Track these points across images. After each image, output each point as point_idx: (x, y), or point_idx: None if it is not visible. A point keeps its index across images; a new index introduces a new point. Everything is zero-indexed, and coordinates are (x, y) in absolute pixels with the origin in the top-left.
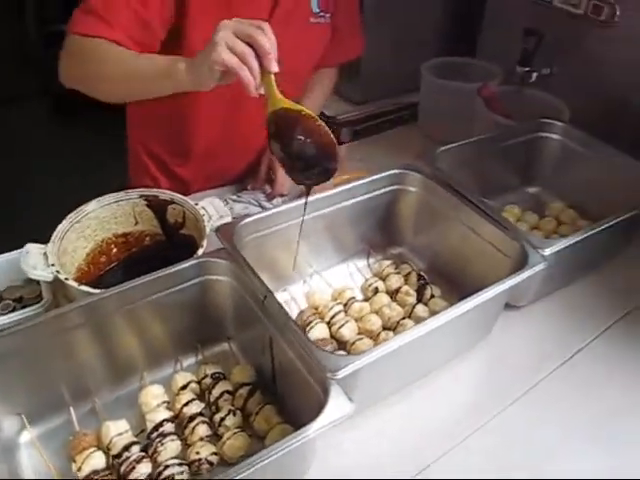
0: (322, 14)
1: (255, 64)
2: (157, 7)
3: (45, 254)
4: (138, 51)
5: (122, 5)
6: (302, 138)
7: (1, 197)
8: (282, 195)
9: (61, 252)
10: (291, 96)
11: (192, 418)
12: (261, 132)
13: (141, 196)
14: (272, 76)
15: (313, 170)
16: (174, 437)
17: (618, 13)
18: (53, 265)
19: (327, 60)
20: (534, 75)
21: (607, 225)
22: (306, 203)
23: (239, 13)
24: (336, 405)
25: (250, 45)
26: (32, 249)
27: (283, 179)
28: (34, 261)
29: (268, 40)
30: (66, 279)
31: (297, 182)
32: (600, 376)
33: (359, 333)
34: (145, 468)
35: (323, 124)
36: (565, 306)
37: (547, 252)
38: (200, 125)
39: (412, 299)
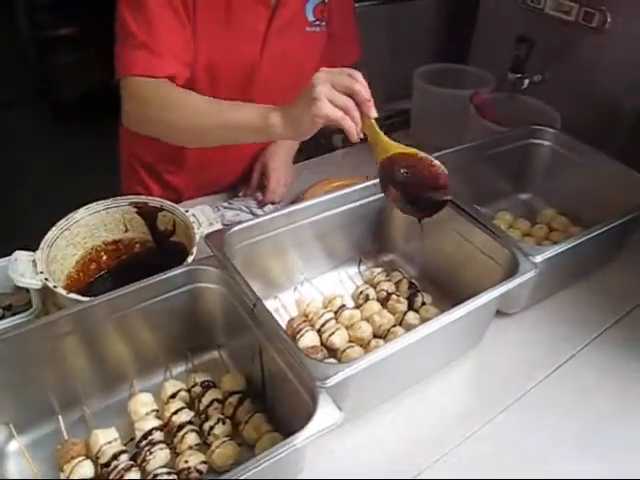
0: (318, 23)
1: (357, 113)
2: (187, 22)
3: (34, 261)
4: (186, 74)
5: (164, 30)
6: (421, 181)
7: None
8: (274, 202)
9: (50, 259)
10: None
11: (181, 427)
12: (257, 146)
13: (131, 203)
14: (373, 121)
15: (428, 206)
16: (163, 446)
17: (609, 20)
18: (42, 273)
19: (323, 66)
20: (526, 82)
21: (598, 232)
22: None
23: (238, 24)
24: (325, 414)
25: (348, 94)
26: (21, 256)
27: (275, 187)
28: (22, 269)
29: (363, 87)
30: (55, 287)
31: (416, 217)
32: (591, 383)
33: (350, 341)
34: (134, 477)
35: (437, 163)
36: (556, 313)
37: (538, 259)
38: None
39: (403, 306)
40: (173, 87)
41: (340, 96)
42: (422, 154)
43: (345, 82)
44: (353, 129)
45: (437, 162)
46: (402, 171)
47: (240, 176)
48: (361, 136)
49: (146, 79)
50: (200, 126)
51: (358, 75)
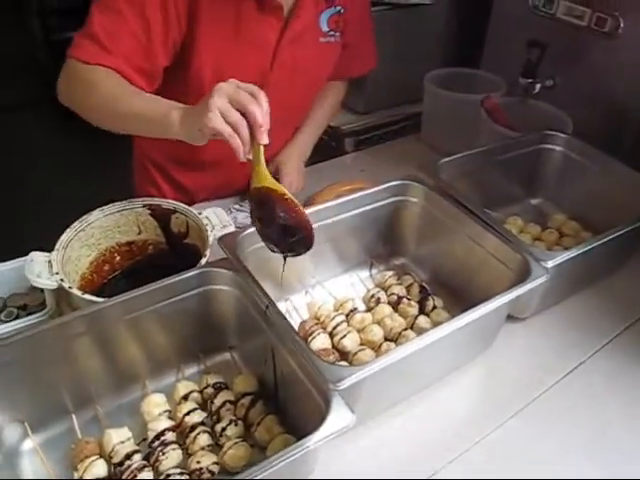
0: (332, 33)
1: (246, 134)
2: (160, 37)
3: (49, 262)
4: (139, 79)
5: (125, 34)
6: (281, 217)
7: (6, 203)
8: None
9: (65, 260)
10: (304, 110)
11: (193, 427)
12: (271, 150)
13: (144, 205)
14: (261, 147)
15: (290, 244)
16: (176, 446)
17: (622, 25)
18: (57, 273)
19: (337, 75)
20: (537, 86)
21: (610, 237)
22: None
23: (248, 36)
24: (338, 416)
25: (242, 113)
26: (37, 257)
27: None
28: (38, 269)
29: (261, 111)
30: (70, 287)
31: (275, 252)
32: (601, 389)
33: (361, 344)
34: (147, 477)
35: (301, 208)
36: (566, 318)
37: (550, 264)
38: (208, 145)
39: (414, 310)
40: (105, 72)
41: (233, 113)
42: (290, 196)
43: (243, 100)
44: (240, 149)
45: (302, 209)
46: (277, 213)
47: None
48: (249, 157)
49: (82, 64)
50: (118, 113)
51: (261, 96)
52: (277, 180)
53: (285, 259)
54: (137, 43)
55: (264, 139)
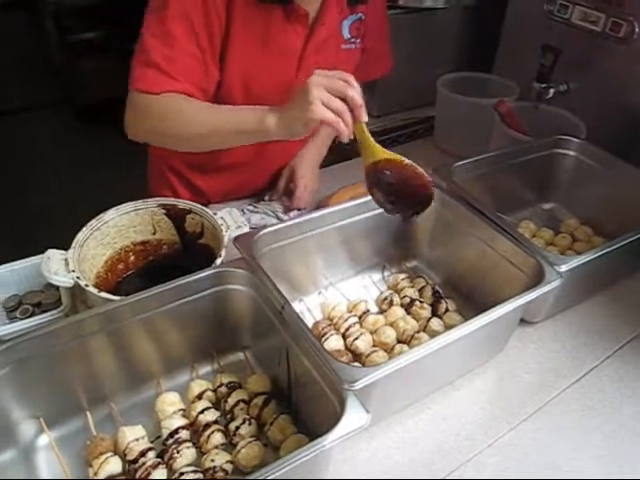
0: (353, 40)
1: (349, 117)
2: (209, 50)
3: (66, 260)
4: (202, 97)
5: (182, 55)
6: (404, 186)
7: (21, 204)
8: (299, 209)
9: (81, 259)
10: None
11: (207, 426)
12: (288, 152)
13: (159, 205)
14: (364, 125)
15: (413, 204)
16: (189, 444)
17: (637, 30)
18: (74, 271)
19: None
20: (551, 91)
21: (623, 243)
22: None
23: (275, 44)
24: (353, 416)
25: (341, 98)
26: (53, 255)
27: (302, 193)
28: (55, 267)
29: (356, 92)
30: (86, 285)
31: (402, 216)
32: (613, 394)
33: (374, 345)
34: (160, 474)
35: (421, 170)
36: (579, 323)
37: (563, 268)
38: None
39: (427, 313)
40: (172, 97)
41: (334, 100)
42: (407, 161)
43: (339, 87)
44: (345, 132)
45: (421, 169)
46: (387, 173)
47: (268, 182)
48: (351, 137)
49: (149, 95)
50: (198, 133)
51: (352, 80)
52: (292, 181)
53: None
54: (195, 61)
55: (365, 116)
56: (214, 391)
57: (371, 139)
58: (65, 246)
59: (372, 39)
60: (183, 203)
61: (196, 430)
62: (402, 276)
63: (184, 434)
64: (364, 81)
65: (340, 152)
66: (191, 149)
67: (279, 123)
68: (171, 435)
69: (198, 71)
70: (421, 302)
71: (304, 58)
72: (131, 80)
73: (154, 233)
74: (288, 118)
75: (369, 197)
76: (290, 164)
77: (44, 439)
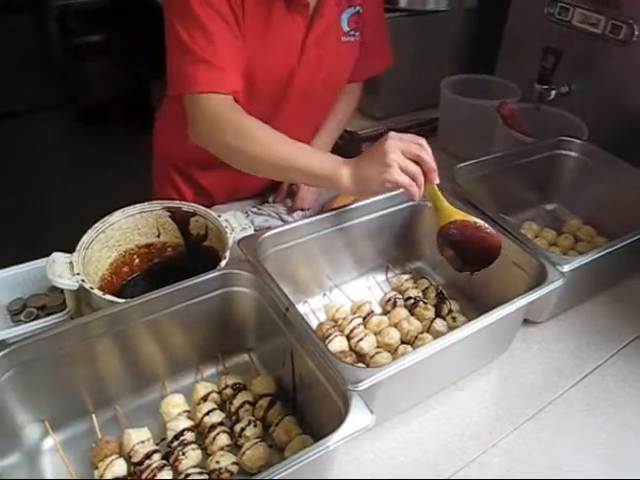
0: (352, 33)
1: (422, 180)
2: (240, 34)
3: (71, 263)
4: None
5: (225, 45)
6: (476, 246)
7: (25, 205)
8: (303, 209)
9: (86, 261)
10: (325, 111)
11: (213, 428)
12: None
13: (164, 207)
14: (435, 186)
15: (479, 261)
16: (195, 446)
17: (637, 32)
18: (78, 274)
19: (354, 76)
20: (553, 93)
21: (625, 242)
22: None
23: (276, 34)
24: (357, 416)
25: (416, 162)
26: (58, 258)
27: (305, 194)
28: (60, 270)
29: (429, 155)
30: (91, 288)
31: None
32: (617, 393)
33: (378, 347)
34: (166, 476)
35: (490, 230)
36: (582, 323)
37: (566, 269)
38: None
39: (430, 314)
40: (244, 115)
41: (410, 164)
42: (480, 222)
43: (415, 150)
44: (417, 194)
45: (491, 229)
46: (460, 233)
47: (274, 180)
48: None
49: (214, 96)
50: (274, 163)
51: (424, 143)
52: (294, 187)
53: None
54: (237, 50)
55: (437, 179)
56: (219, 393)
57: (445, 201)
58: (69, 248)
59: (369, 33)
60: (187, 206)
61: (201, 432)
62: (406, 277)
63: (189, 436)
64: (365, 77)
65: (344, 155)
66: (261, 174)
67: (353, 178)
68: (176, 437)
69: (238, 57)
70: (425, 303)
71: (305, 49)
72: (184, 84)
73: (159, 236)
74: (363, 175)
75: (372, 199)
76: None
77: (49, 442)
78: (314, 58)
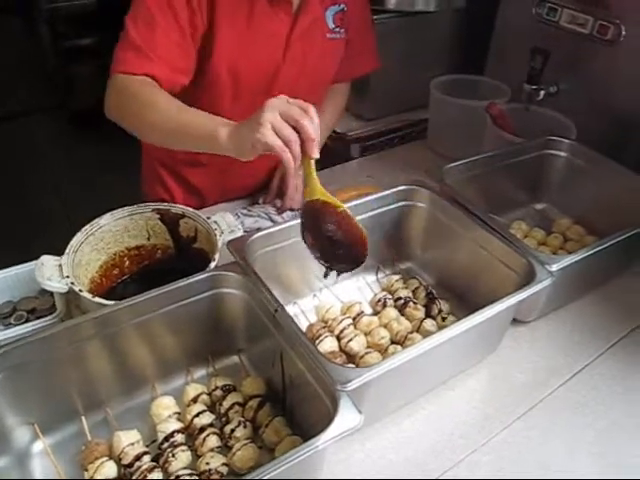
0: (337, 30)
1: (298, 150)
2: (190, 32)
3: (60, 266)
4: (182, 77)
5: (162, 37)
6: (334, 230)
7: (16, 209)
8: (292, 209)
9: (75, 264)
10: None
11: (203, 429)
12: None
13: (154, 210)
14: (313, 162)
15: (343, 262)
16: (185, 448)
17: (624, 33)
18: (68, 277)
19: (341, 75)
20: (541, 93)
21: (614, 241)
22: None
23: (261, 30)
24: (346, 416)
25: (294, 128)
26: (47, 261)
27: (293, 193)
28: (49, 273)
29: (312, 125)
30: (80, 291)
31: (329, 269)
32: (606, 391)
33: (368, 347)
34: (156, 477)
35: (356, 222)
36: (572, 321)
37: (554, 268)
38: None
39: (420, 314)
40: (155, 91)
41: (286, 128)
42: (344, 209)
43: (295, 115)
44: (291, 163)
45: (358, 223)
46: (328, 226)
47: (265, 178)
48: (299, 173)
49: (130, 76)
50: (172, 130)
51: (311, 110)
52: (284, 182)
53: (338, 275)
54: (175, 44)
55: (316, 153)
56: (209, 394)
57: (316, 180)
58: (61, 251)
59: (354, 31)
60: (176, 208)
61: (191, 433)
62: (396, 277)
63: (179, 437)
64: (351, 77)
65: (334, 157)
66: (157, 142)
67: (229, 138)
68: (166, 439)
69: (179, 53)
70: (415, 303)
71: (290, 45)
72: (113, 65)
73: (148, 238)
74: (239, 135)
75: (361, 200)
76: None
77: (39, 445)
78: (299, 54)
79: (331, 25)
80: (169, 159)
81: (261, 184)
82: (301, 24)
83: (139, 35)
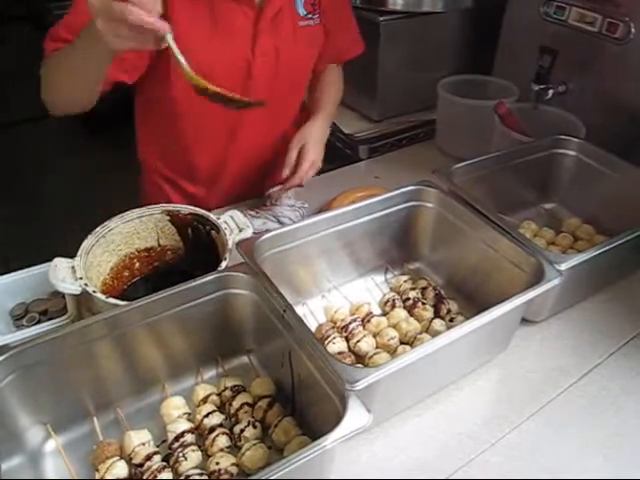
0: (310, 16)
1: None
2: None
3: (73, 268)
4: (125, 78)
5: (80, 25)
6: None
7: (22, 213)
8: (300, 185)
9: (87, 266)
10: (294, 102)
11: (212, 429)
12: (260, 141)
13: (163, 211)
14: (169, 36)
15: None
16: (195, 448)
17: (633, 31)
18: (81, 278)
19: (325, 60)
20: (550, 92)
21: (624, 240)
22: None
23: (225, 25)
24: (354, 416)
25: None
26: (60, 263)
27: (308, 168)
28: (63, 275)
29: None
30: (94, 292)
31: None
32: (617, 391)
33: (377, 347)
34: (167, 477)
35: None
36: (581, 321)
37: (563, 267)
38: (201, 149)
39: (429, 314)
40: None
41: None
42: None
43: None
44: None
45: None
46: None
47: (260, 185)
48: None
49: (47, 60)
50: (63, 69)
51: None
52: (300, 157)
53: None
54: None
55: (167, 29)
56: (219, 395)
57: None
58: (70, 254)
59: (331, 18)
60: (186, 209)
61: (201, 433)
62: (404, 278)
63: (189, 437)
64: (339, 61)
65: (342, 158)
66: (80, 95)
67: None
68: (176, 439)
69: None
70: (423, 303)
71: (258, 39)
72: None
73: (158, 239)
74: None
75: (369, 200)
76: (299, 137)
77: (51, 445)
78: (270, 47)
79: (302, 12)
80: (164, 168)
81: (260, 191)
82: (266, 16)
83: (64, 23)
